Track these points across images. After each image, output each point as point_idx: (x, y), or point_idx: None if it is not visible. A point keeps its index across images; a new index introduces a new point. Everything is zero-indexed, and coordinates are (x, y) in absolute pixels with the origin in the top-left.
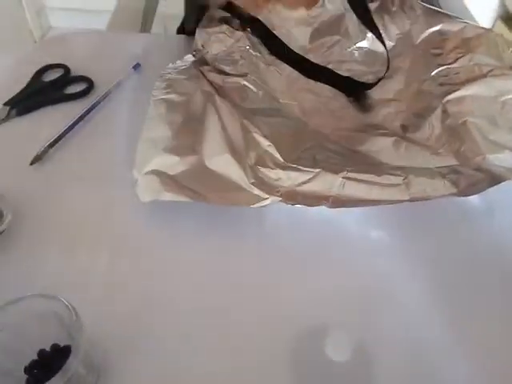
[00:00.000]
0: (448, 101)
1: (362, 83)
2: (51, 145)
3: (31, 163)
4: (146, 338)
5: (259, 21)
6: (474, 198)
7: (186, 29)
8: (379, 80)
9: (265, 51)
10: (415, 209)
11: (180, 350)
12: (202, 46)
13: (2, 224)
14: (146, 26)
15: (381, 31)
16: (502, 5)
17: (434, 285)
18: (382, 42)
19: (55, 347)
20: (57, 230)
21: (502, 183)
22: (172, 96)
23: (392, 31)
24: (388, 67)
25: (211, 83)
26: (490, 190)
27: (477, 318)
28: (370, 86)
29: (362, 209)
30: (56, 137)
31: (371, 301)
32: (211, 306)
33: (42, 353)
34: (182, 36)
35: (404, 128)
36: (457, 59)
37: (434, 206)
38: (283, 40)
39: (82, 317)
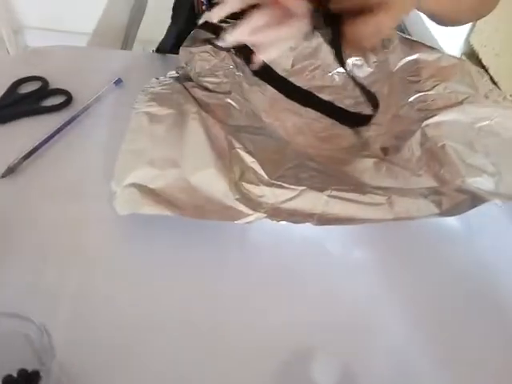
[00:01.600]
0: (426, 125)
1: (350, 114)
2: (25, 157)
3: (3, 175)
4: (121, 361)
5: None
6: (454, 220)
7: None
8: (372, 115)
9: (248, 72)
10: (398, 229)
11: (158, 372)
12: (186, 63)
13: None
14: (126, 45)
15: (359, 58)
16: (467, 42)
17: (416, 306)
18: (352, 78)
19: (23, 372)
20: (27, 247)
21: (482, 206)
22: (155, 109)
23: (370, 59)
24: (377, 104)
25: (195, 98)
26: (470, 212)
27: (460, 339)
28: (361, 122)
29: (346, 227)
30: (30, 149)
31: (355, 321)
32: (190, 326)
33: (7, 379)
34: (164, 55)
35: (384, 150)
36: (433, 87)
37: (416, 226)
38: (266, 62)
39: (53, 340)
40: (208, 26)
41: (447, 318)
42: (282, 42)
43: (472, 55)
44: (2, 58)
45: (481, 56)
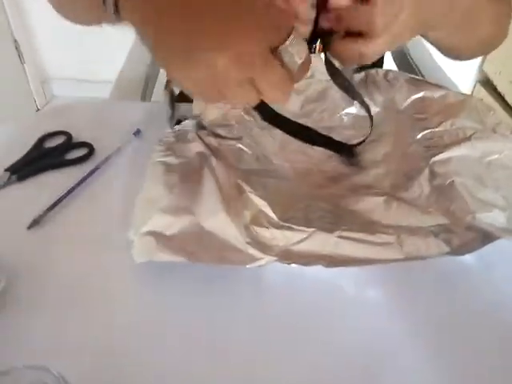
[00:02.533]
0: (434, 162)
1: (350, 145)
2: (49, 209)
3: (29, 227)
4: None
5: None
6: (469, 256)
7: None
8: (364, 140)
9: (258, 116)
10: (411, 265)
11: None
12: (200, 112)
13: None
14: (146, 94)
15: (366, 98)
16: (481, 70)
17: (431, 344)
18: (366, 107)
19: None
20: (50, 296)
21: (497, 241)
22: (170, 158)
23: (377, 98)
24: (371, 127)
25: (208, 146)
26: (486, 248)
27: (477, 378)
28: (357, 145)
29: (358, 268)
30: (54, 201)
31: (369, 362)
32: (208, 373)
33: None
34: (181, 103)
35: (394, 188)
36: (440, 123)
37: (430, 263)
38: (276, 106)
39: None
40: None
41: (464, 357)
42: None
43: (487, 83)
44: (30, 113)
45: (495, 83)
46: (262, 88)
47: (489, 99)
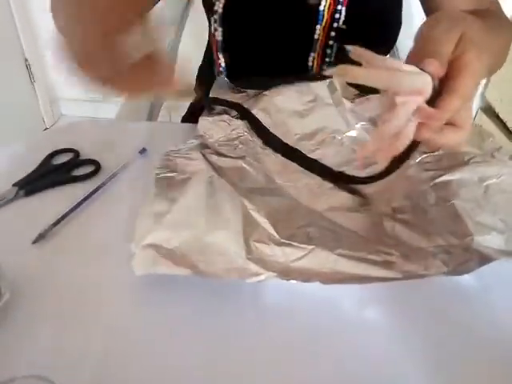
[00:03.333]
0: (435, 184)
1: (349, 178)
2: (55, 224)
3: (34, 242)
4: None
5: (251, 113)
6: (469, 277)
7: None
8: (371, 178)
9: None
10: (411, 285)
11: None
12: (204, 132)
13: None
14: (152, 115)
15: (368, 122)
16: (483, 97)
17: (431, 364)
18: None
19: None
20: (53, 308)
21: (496, 263)
22: (173, 174)
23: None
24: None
25: (211, 164)
26: (485, 269)
27: None
28: (361, 181)
29: (357, 286)
30: (60, 216)
31: (369, 380)
32: None
33: None
34: (186, 124)
35: (394, 209)
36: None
37: (428, 283)
38: (280, 127)
39: None
40: (220, 101)
41: (462, 375)
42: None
43: (489, 110)
44: (38, 131)
45: (497, 110)
46: None
47: (491, 126)
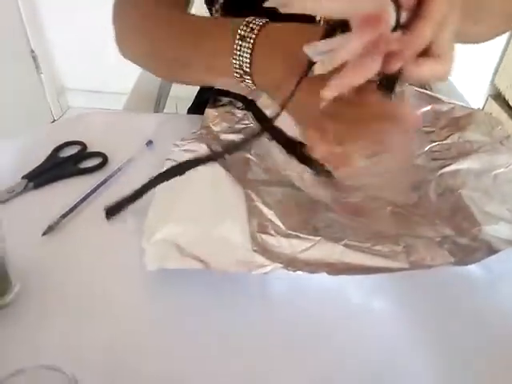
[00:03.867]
0: (442, 174)
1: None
2: (63, 216)
3: (43, 234)
4: None
5: (255, 105)
6: (476, 267)
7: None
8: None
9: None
10: (417, 275)
11: None
12: (210, 123)
13: (10, 294)
14: (159, 106)
15: None
16: (492, 84)
17: (437, 354)
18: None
19: None
20: (63, 299)
21: (503, 253)
22: None
23: None
24: None
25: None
26: (492, 259)
27: None
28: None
29: (364, 276)
30: (69, 208)
31: (374, 370)
32: (213, 376)
33: None
34: (192, 115)
35: (401, 199)
36: (448, 136)
37: (436, 274)
38: (283, 120)
39: None
40: (225, 92)
41: (468, 367)
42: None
43: (498, 97)
44: (46, 123)
45: (507, 97)
46: None
47: (501, 113)
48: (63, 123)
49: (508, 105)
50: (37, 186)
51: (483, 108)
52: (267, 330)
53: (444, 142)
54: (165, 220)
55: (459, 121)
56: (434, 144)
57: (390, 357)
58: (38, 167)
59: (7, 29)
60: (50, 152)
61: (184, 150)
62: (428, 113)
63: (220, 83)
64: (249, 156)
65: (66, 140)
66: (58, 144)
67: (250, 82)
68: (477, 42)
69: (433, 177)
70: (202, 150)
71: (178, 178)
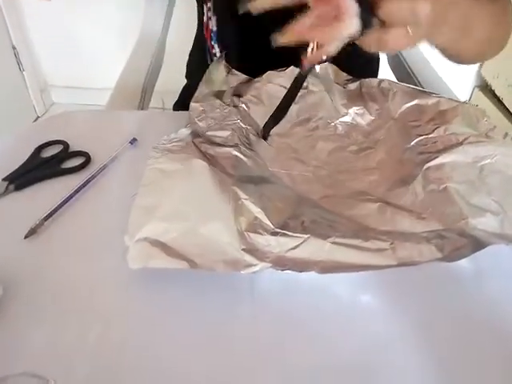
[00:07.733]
0: (428, 167)
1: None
2: (46, 218)
3: (25, 237)
4: None
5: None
6: (463, 262)
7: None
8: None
9: (255, 124)
10: (406, 271)
11: None
12: (196, 119)
13: None
14: (144, 102)
15: (361, 107)
16: (479, 75)
17: (425, 349)
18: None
19: None
20: (47, 304)
21: (491, 247)
22: (165, 165)
23: (372, 107)
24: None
25: (203, 153)
26: (480, 253)
27: (470, 380)
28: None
29: (352, 273)
30: (51, 210)
31: (365, 366)
32: (207, 378)
33: None
34: (177, 112)
35: (388, 194)
36: (434, 130)
37: (424, 269)
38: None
39: None
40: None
41: (456, 362)
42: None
43: (485, 87)
44: (29, 121)
45: (494, 87)
46: None
47: (487, 104)
48: (44, 123)
49: (495, 95)
50: (18, 188)
51: (470, 99)
52: (256, 327)
53: (430, 135)
54: (149, 217)
55: (445, 114)
56: (420, 138)
57: (379, 353)
58: (19, 168)
59: None
60: (31, 152)
61: (169, 148)
62: (414, 107)
63: None
64: (235, 153)
65: (48, 139)
66: (39, 144)
67: None
68: (461, 62)
69: (419, 171)
70: (187, 147)
71: (161, 173)
